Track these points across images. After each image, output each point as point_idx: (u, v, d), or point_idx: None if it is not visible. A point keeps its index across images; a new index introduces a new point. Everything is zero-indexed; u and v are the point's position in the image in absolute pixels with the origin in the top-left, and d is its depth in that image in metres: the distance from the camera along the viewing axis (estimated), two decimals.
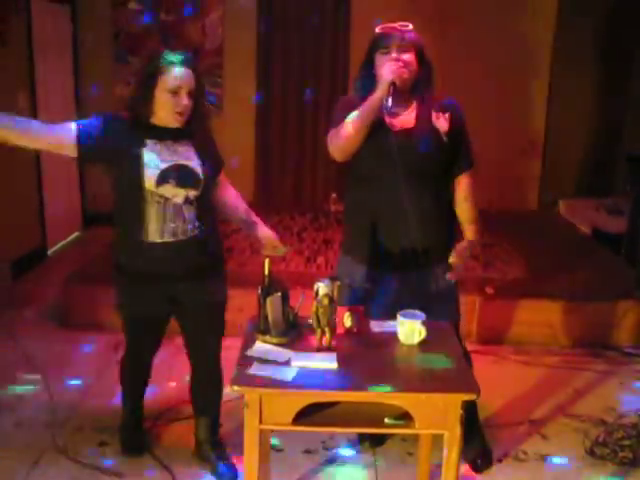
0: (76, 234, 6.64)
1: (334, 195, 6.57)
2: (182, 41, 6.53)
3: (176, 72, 2.47)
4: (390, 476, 2.97)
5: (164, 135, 2.55)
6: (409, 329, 2.27)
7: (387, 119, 2.67)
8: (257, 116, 6.76)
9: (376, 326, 2.42)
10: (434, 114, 2.71)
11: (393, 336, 2.31)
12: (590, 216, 6.28)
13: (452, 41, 6.30)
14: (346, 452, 3.14)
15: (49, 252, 5.99)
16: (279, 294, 2.29)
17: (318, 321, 2.20)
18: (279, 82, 6.67)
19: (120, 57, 6.62)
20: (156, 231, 2.54)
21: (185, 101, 2.50)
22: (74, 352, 4.04)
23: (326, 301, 2.19)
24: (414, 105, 2.74)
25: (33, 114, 5.56)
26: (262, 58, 6.61)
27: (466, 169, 2.83)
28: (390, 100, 2.54)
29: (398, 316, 2.29)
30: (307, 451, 3.13)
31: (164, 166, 2.51)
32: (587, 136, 6.98)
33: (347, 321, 2.37)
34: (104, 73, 6.64)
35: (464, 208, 2.86)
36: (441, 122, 2.70)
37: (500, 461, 3.10)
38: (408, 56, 2.63)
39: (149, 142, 2.54)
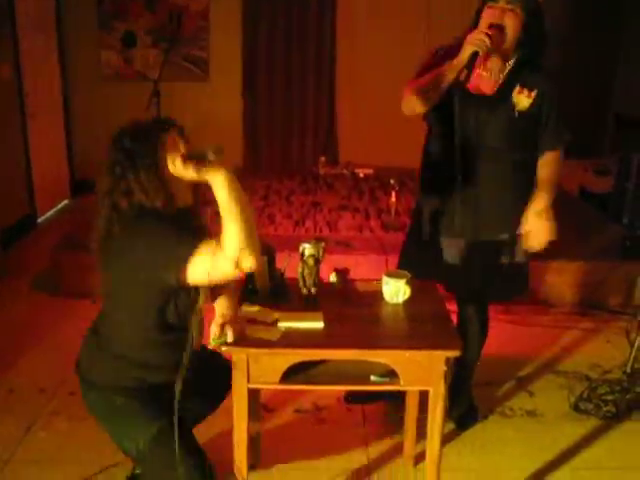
0: (65, 202, 6.63)
1: (323, 158, 6.58)
2: (166, 4, 6.46)
3: (174, 137, 2.14)
4: (379, 433, 3.02)
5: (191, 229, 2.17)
6: (394, 288, 2.30)
7: (469, 77, 2.54)
8: (244, 80, 6.71)
9: (362, 286, 2.45)
10: (518, 87, 2.62)
11: (379, 295, 2.35)
12: (578, 176, 6.29)
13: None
14: (336, 412, 3.19)
15: (39, 220, 5.98)
16: (265, 257, 2.31)
17: (304, 281, 2.23)
18: (266, 46, 6.61)
19: (104, 23, 6.54)
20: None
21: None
22: (65, 320, 4.07)
23: (311, 262, 2.22)
24: (506, 70, 2.65)
25: (19, 85, 5.52)
26: (248, 22, 6.55)
27: (550, 148, 2.72)
28: (466, 72, 2.46)
29: (383, 275, 2.32)
30: (298, 411, 3.18)
31: None
32: (577, 96, 6.95)
33: (332, 277, 2.39)
34: (89, 40, 6.57)
35: (542, 172, 2.74)
36: (521, 98, 2.61)
37: (486, 417, 3.16)
38: (511, 18, 2.50)
39: None
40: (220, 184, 1.99)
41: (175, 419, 2.05)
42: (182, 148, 2.11)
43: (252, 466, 2.59)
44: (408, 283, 2.30)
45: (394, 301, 2.32)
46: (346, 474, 2.75)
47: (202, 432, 2.38)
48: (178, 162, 2.02)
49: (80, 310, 4.12)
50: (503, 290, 2.93)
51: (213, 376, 2.28)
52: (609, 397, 3.31)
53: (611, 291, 4.44)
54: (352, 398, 3.21)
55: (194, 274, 1.96)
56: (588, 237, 4.88)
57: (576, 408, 3.24)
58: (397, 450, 2.86)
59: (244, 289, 2.35)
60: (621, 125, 5.81)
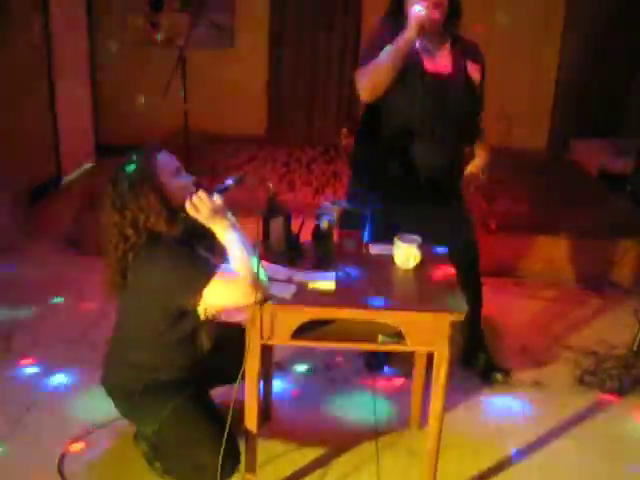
0: (89, 164, 6.74)
1: (345, 129, 6.61)
2: None
3: (166, 154, 2.28)
4: (387, 395, 3.13)
5: (202, 238, 2.30)
6: (405, 253, 2.38)
7: (422, 60, 2.71)
8: (269, 48, 6.74)
9: (374, 249, 2.53)
10: (469, 64, 2.76)
11: (390, 259, 2.43)
12: (598, 156, 6.30)
13: None
14: (346, 372, 3.29)
15: (63, 181, 6.11)
16: (281, 218, 2.40)
17: (318, 243, 2.32)
18: (292, 16, 6.63)
19: None
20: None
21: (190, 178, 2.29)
22: (87, 276, 4.19)
23: (326, 224, 2.30)
24: (447, 46, 2.77)
25: (48, 46, 5.61)
26: None
27: (483, 110, 2.97)
28: (419, 43, 2.58)
29: (395, 239, 2.39)
30: (309, 370, 3.29)
31: None
32: (601, 74, 6.91)
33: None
34: (118, 3, 6.63)
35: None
36: (475, 74, 2.77)
37: (492, 385, 3.25)
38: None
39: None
40: (225, 228, 2.17)
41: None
42: (176, 164, 2.26)
43: (263, 420, 2.70)
44: (419, 248, 2.38)
45: (405, 266, 2.40)
46: (354, 432, 2.85)
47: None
48: (196, 205, 2.12)
49: (99, 267, 4.24)
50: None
51: (234, 350, 2.35)
52: (613, 372, 3.37)
53: (624, 270, 4.48)
54: (372, 364, 3.32)
55: (209, 299, 2.15)
56: (605, 217, 4.91)
57: (581, 381, 3.31)
58: (404, 412, 2.96)
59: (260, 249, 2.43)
60: None
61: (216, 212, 2.13)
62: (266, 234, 2.37)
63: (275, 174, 5.42)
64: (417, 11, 2.53)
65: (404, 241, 2.39)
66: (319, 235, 2.34)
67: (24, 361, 3.26)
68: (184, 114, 5.23)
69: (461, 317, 2.12)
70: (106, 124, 6.81)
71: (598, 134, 6.80)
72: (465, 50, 2.80)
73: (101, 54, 6.71)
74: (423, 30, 2.55)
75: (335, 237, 2.45)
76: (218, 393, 2.56)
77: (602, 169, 6.09)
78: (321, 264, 2.35)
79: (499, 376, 3.24)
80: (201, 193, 2.12)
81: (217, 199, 2.13)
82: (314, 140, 6.70)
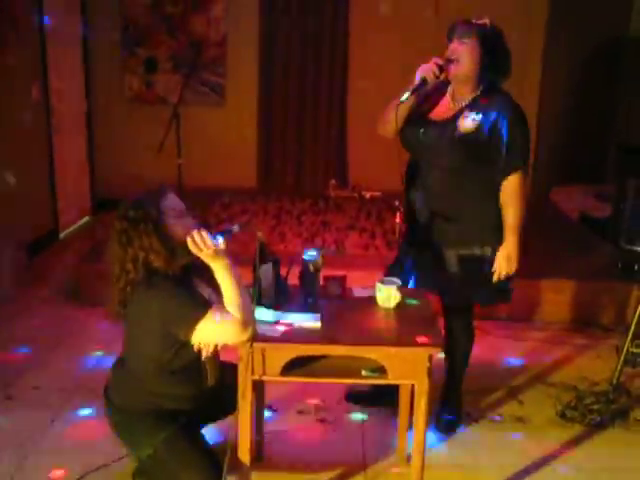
0: (86, 219, 6.91)
1: (333, 181, 6.82)
2: (187, 33, 6.80)
3: (171, 197, 2.42)
4: (375, 432, 3.25)
5: (202, 274, 2.44)
6: (385, 294, 2.54)
7: (431, 104, 2.94)
8: (259, 106, 7.00)
9: (358, 292, 2.70)
10: (465, 112, 2.86)
11: (373, 300, 2.59)
12: (579, 202, 6.51)
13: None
14: (336, 412, 3.42)
15: (61, 235, 6.27)
16: (270, 264, 2.56)
17: (304, 286, 2.48)
18: (280, 73, 6.90)
19: (128, 48, 6.88)
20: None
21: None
22: (86, 326, 4.33)
23: (312, 268, 2.47)
24: (468, 96, 2.89)
25: (46, 103, 5.84)
26: (264, 52, 6.85)
27: (507, 173, 2.86)
28: (408, 95, 2.77)
29: (376, 283, 2.56)
30: (300, 412, 3.41)
31: None
32: (579, 125, 7.18)
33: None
34: (113, 64, 6.90)
35: (504, 212, 2.92)
36: (466, 122, 2.83)
37: (477, 421, 3.38)
38: (464, 50, 2.77)
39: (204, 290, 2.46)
40: (222, 268, 2.30)
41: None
42: (181, 206, 2.40)
43: (255, 461, 2.81)
44: (398, 289, 2.54)
45: (386, 305, 2.56)
46: (343, 469, 2.97)
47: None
48: (198, 243, 2.25)
49: (98, 317, 4.38)
50: (488, 296, 3.13)
51: (227, 388, 2.51)
52: (595, 407, 3.50)
53: (605, 310, 4.65)
54: (352, 397, 3.45)
55: (201, 335, 2.29)
56: (585, 258, 5.09)
57: (562, 415, 3.44)
58: (392, 447, 3.08)
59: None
60: (622, 152, 6.03)
61: (217, 252, 2.27)
62: (256, 279, 2.53)
63: (266, 225, 5.60)
64: (424, 65, 2.77)
65: (385, 283, 2.56)
66: (305, 274, 2.50)
67: (25, 408, 3.37)
68: (178, 168, 5.44)
69: (439, 351, 2.28)
70: (103, 179, 7.00)
71: (579, 181, 7.03)
72: (489, 101, 2.84)
73: (98, 110, 6.94)
74: (425, 82, 2.76)
75: (321, 280, 2.62)
76: (209, 431, 2.68)
77: (583, 214, 6.30)
78: (307, 305, 2.50)
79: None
80: (204, 233, 2.26)
81: (220, 241, 2.27)
82: (304, 192, 6.91)
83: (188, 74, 6.49)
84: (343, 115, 7.02)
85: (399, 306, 2.56)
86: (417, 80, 2.76)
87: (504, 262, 2.93)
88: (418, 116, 2.92)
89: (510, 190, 2.88)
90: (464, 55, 2.78)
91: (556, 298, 4.66)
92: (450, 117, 2.90)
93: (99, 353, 3.92)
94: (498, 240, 2.95)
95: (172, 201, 2.40)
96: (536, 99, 7.08)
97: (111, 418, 2.55)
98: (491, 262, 2.96)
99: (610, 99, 7.06)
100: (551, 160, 7.24)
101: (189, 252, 2.29)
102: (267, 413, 3.21)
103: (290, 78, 6.91)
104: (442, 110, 2.94)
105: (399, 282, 2.57)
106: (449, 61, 2.79)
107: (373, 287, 2.60)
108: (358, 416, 3.39)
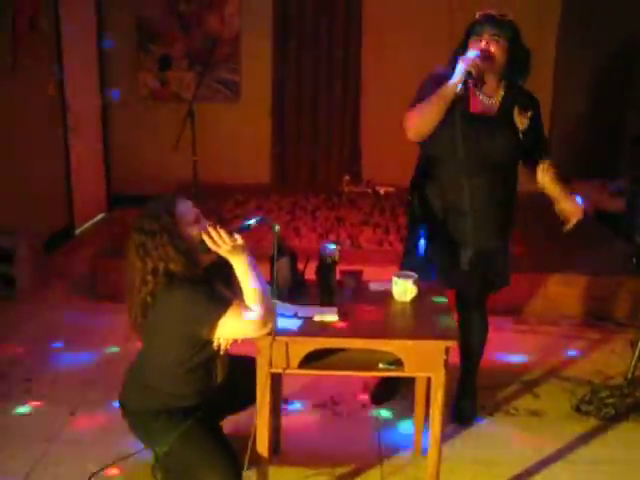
0: (101, 215, 6.97)
1: (347, 177, 6.84)
2: (201, 30, 6.83)
3: (185, 204, 2.44)
4: (391, 425, 3.28)
5: (222, 275, 2.51)
6: (402, 288, 2.56)
7: (469, 101, 2.88)
8: (273, 102, 7.03)
9: (374, 286, 2.72)
10: (517, 109, 2.90)
11: (388, 294, 2.61)
12: (593, 197, 6.49)
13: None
14: (351, 406, 3.45)
15: (77, 232, 6.33)
16: (286, 257, 2.58)
17: (321, 280, 2.50)
18: (294, 70, 6.93)
19: (142, 46, 6.92)
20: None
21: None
22: (103, 321, 4.38)
23: (329, 260, 2.49)
24: (500, 92, 2.93)
25: (62, 101, 5.90)
26: (277, 48, 6.88)
27: (546, 157, 3.05)
28: (462, 87, 2.72)
29: (392, 276, 2.58)
30: (316, 405, 3.44)
31: None
32: (594, 120, 7.16)
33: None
34: (128, 61, 6.95)
35: (551, 185, 3.07)
36: (521, 119, 2.90)
37: (492, 415, 3.40)
38: (496, 46, 2.79)
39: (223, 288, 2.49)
40: (240, 264, 2.34)
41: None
42: (195, 212, 2.43)
43: (272, 453, 2.83)
44: (415, 283, 2.56)
45: (402, 299, 2.58)
46: (359, 462, 3.00)
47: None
48: (215, 240, 2.30)
49: (113, 311, 4.44)
50: (498, 283, 3.26)
51: (244, 380, 2.53)
52: (609, 400, 3.51)
53: (619, 304, 4.64)
54: (376, 397, 3.48)
55: (223, 330, 2.33)
56: (599, 253, 5.09)
57: (577, 409, 3.45)
58: (407, 441, 3.10)
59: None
60: (637, 147, 6.03)
61: (235, 248, 2.30)
62: (273, 273, 2.55)
63: (281, 221, 5.61)
64: (467, 57, 2.74)
65: (401, 277, 2.58)
66: (322, 268, 2.53)
67: (44, 402, 3.43)
68: (193, 165, 5.48)
69: (454, 343, 2.30)
70: (118, 175, 7.06)
71: (593, 176, 7.01)
72: (517, 96, 2.93)
73: (113, 108, 7.00)
74: (469, 76, 2.72)
75: (337, 274, 2.64)
76: (227, 426, 2.72)
77: (598, 209, 6.28)
78: (324, 298, 2.53)
79: None
80: (221, 230, 2.29)
81: (237, 237, 2.30)
82: (318, 188, 6.93)
83: (202, 71, 6.53)
84: (357, 111, 7.04)
85: (415, 299, 2.58)
86: (461, 73, 2.72)
87: (576, 208, 3.10)
88: (457, 112, 2.85)
89: (550, 166, 3.04)
90: (498, 52, 2.81)
91: (570, 293, 4.66)
92: (496, 112, 2.92)
93: (116, 347, 3.97)
94: (510, 233, 3.14)
95: (186, 208, 2.43)
96: (550, 95, 7.07)
97: (126, 418, 2.60)
98: (504, 251, 3.13)
99: (625, 94, 7.04)
100: (565, 155, 7.23)
101: (209, 251, 2.32)
102: (283, 406, 3.23)
103: (304, 75, 6.94)
104: (479, 106, 2.91)
105: (415, 276, 2.58)
106: (486, 58, 2.78)
107: (389, 281, 2.62)
108: (374, 409, 3.42)
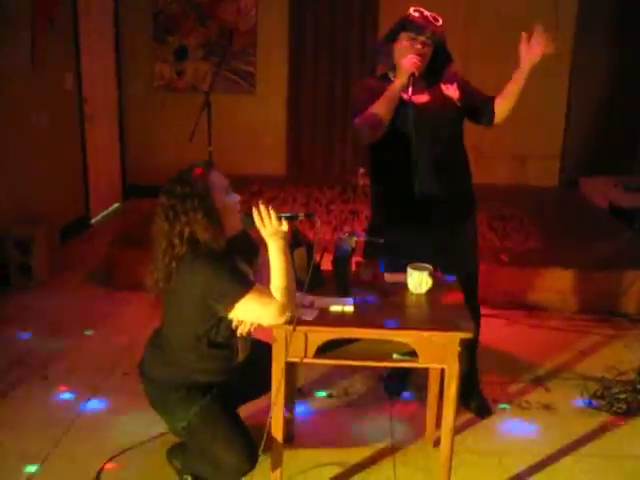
0: (116, 205, 7.03)
1: (362, 170, 6.86)
2: (217, 21, 6.86)
3: (218, 172, 2.47)
4: (403, 417, 3.31)
5: (242, 253, 2.54)
6: (417, 279, 2.58)
7: (407, 98, 2.97)
8: (289, 94, 7.07)
9: (389, 278, 2.74)
10: (443, 86, 3.07)
11: (404, 286, 2.64)
12: (608, 193, 6.50)
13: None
14: (364, 396, 3.48)
15: (92, 221, 6.39)
16: (303, 247, 2.61)
17: (337, 270, 2.53)
18: (310, 61, 6.96)
19: (159, 37, 6.96)
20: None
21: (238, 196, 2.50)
22: (118, 309, 4.43)
23: (348, 251, 2.52)
24: (425, 82, 3.07)
25: (79, 93, 5.95)
26: (294, 40, 6.90)
27: (492, 100, 3.06)
28: (411, 89, 2.88)
29: (408, 268, 2.60)
30: (330, 395, 3.48)
31: None
32: (608, 116, 7.15)
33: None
34: (144, 52, 6.99)
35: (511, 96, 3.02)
36: (451, 91, 3.06)
37: (503, 409, 3.41)
38: (428, 50, 2.97)
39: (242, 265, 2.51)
40: (277, 249, 2.34)
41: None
42: (226, 182, 2.47)
43: (287, 441, 2.87)
44: (430, 275, 2.58)
45: (417, 291, 2.60)
46: (372, 452, 3.02)
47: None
48: (264, 219, 2.31)
49: (129, 300, 4.49)
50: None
51: (265, 365, 2.53)
52: (622, 395, 3.51)
53: (632, 300, 4.63)
54: (393, 390, 3.51)
55: (240, 312, 2.35)
56: (613, 249, 5.08)
57: (589, 404, 3.47)
58: (419, 432, 3.13)
59: None
60: None
61: (277, 233, 2.32)
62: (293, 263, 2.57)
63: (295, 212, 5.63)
64: (411, 59, 2.89)
65: (416, 269, 2.60)
66: (338, 260, 2.55)
67: (60, 388, 3.48)
68: (208, 155, 5.51)
69: (469, 335, 2.32)
70: (133, 165, 7.11)
71: (607, 172, 7.01)
72: (438, 79, 3.10)
73: (129, 99, 7.04)
74: (413, 77, 2.89)
75: (353, 265, 2.67)
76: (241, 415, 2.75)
77: (611, 204, 6.29)
78: (339, 289, 2.55)
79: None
80: (272, 211, 2.31)
81: (284, 222, 2.32)
82: (332, 180, 6.95)
83: (219, 62, 6.57)
84: None
85: (430, 291, 2.60)
86: (407, 74, 2.89)
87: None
88: (407, 108, 2.99)
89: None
90: (428, 55, 2.99)
91: (583, 287, 4.66)
92: (429, 96, 3.06)
93: (130, 336, 4.01)
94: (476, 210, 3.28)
95: (217, 177, 2.45)
96: (565, 94, 7.07)
97: (146, 390, 2.62)
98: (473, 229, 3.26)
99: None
100: (579, 151, 7.23)
101: (253, 225, 2.33)
102: (297, 395, 3.26)
103: (320, 67, 6.96)
104: (422, 98, 3.04)
105: (430, 268, 2.60)
106: (423, 56, 2.96)
107: (404, 273, 2.64)
108: (385, 400, 3.45)
